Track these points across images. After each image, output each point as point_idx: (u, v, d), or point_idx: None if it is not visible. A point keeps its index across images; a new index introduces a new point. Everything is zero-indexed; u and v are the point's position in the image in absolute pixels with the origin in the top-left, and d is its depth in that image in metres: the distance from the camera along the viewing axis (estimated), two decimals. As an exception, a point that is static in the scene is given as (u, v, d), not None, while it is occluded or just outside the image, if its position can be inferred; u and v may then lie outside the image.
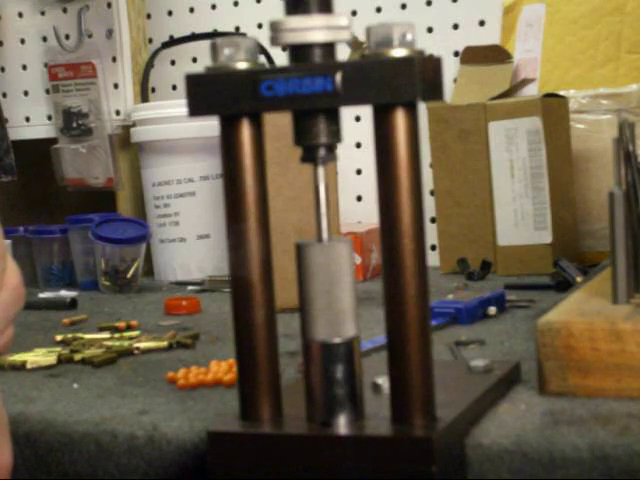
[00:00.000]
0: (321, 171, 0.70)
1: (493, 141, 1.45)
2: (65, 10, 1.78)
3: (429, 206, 1.48)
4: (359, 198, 1.68)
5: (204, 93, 0.70)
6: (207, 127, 1.54)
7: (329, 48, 0.69)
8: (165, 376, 0.93)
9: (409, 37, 0.67)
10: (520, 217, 1.44)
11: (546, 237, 1.43)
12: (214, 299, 1.40)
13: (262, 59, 1.59)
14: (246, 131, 0.70)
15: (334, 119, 0.70)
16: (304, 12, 0.68)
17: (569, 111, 1.47)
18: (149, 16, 1.80)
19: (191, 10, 1.79)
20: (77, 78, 1.73)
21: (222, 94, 0.69)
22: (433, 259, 1.50)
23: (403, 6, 1.65)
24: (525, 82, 1.53)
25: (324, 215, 0.70)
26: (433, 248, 1.52)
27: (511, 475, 0.69)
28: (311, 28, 0.68)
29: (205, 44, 1.50)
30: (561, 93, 1.48)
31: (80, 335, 1.14)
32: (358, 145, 1.66)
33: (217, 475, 0.70)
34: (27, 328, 1.25)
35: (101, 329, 1.20)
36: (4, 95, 1.85)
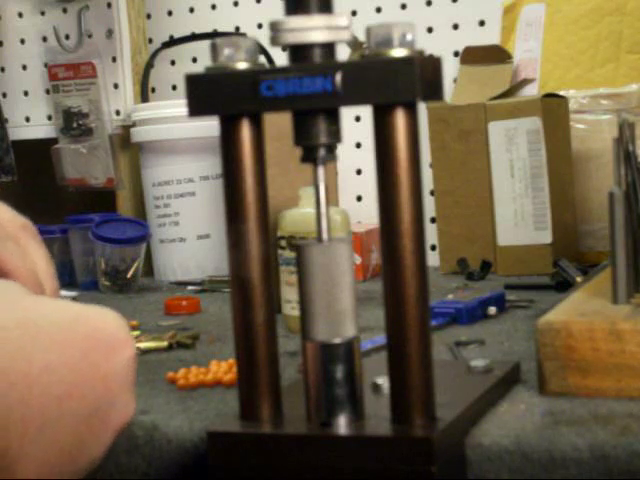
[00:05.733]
0: (321, 171, 0.70)
1: (493, 141, 1.45)
2: (65, 10, 1.78)
3: (429, 206, 1.48)
4: (359, 198, 1.68)
5: (204, 93, 0.70)
6: (207, 127, 1.54)
7: (329, 48, 0.69)
8: (165, 376, 0.93)
9: (409, 37, 0.67)
10: (520, 217, 1.44)
11: (546, 237, 1.43)
12: (214, 299, 1.40)
13: (262, 59, 1.59)
14: (246, 131, 0.70)
15: (334, 119, 0.70)
16: (304, 12, 0.68)
17: (569, 111, 1.47)
18: (149, 16, 1.80)
19: (191, 10, 1.79)
20: (77, 78, 1.73)
21: (222, 94, 0.69)
22: (433, 259, 1.50)
23: (403, 6, 1.65)
24: (525, 82, 1.53)
25: (324, 215, 0.70)
26: (433, 248, 1.52)
27: (511, 475, 0.69)
28: (311, 28, 0.68)
29: (205, 44, 1.50)
30: (561, 93, 1.48)
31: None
32: (358, 145, 1.66)
33: (217, 475, 0.70)
34: (27, 328, 1.25)
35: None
36: (4, 95, 1.85)
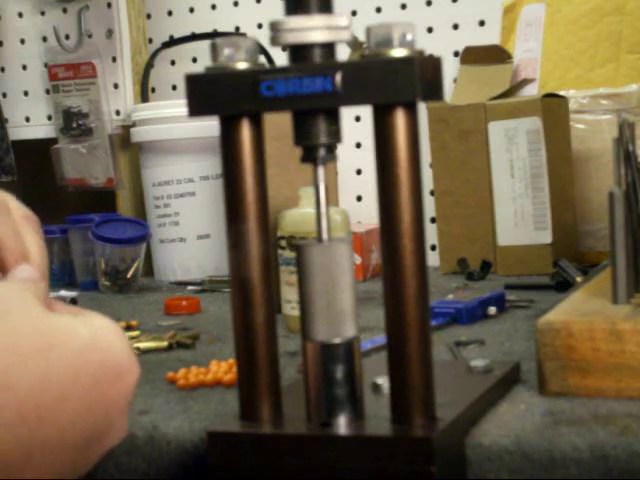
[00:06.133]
0: (321, 171, 0.70)
1: (493, 141, 1.45)
2: (65, 10, 1.78)
3: (429, 206, 1.48)
4: (359, 198, 1.68)
5: (204, 93, 0.70)
6: (207, 127, 1.54)
7: (329, 48, 0.69)
8: (165, 376, 0.93)
9: (409, 37, 0.67)
10: (520, 217, 1.44)
11: (546, 237, 1.43)
12: (214, 299, 1.40)
13: (262, 59, 1.59)
14: (246, 131, 0.70)
15: (334, 119, 0.70)
16: (304, 12, 0.68)
17: (569, 111, 1.47)
18: (149, 16, 1.80)
19: (191, 10, 1.79)
20: (77, 78, 1.73)
21: (222, 94, 0.69)
22: (433, 259, 1.50)
23: (403, 6, 1.65)
24: (525, 82, 1.53)
25: (324, 215, 0.70)
26: (433, 248, 1.52)
27: (511, 475, 0.69)
28: (311, 28, 0.68)
29: (205, 44, 1.50)
30: (561, 93, 1.48)
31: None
32: (358, 145, 1.66)
33: (217, 475, 0.70)
34: (27, 328, 1.25)
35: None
36: (4, 95, 1.85)
